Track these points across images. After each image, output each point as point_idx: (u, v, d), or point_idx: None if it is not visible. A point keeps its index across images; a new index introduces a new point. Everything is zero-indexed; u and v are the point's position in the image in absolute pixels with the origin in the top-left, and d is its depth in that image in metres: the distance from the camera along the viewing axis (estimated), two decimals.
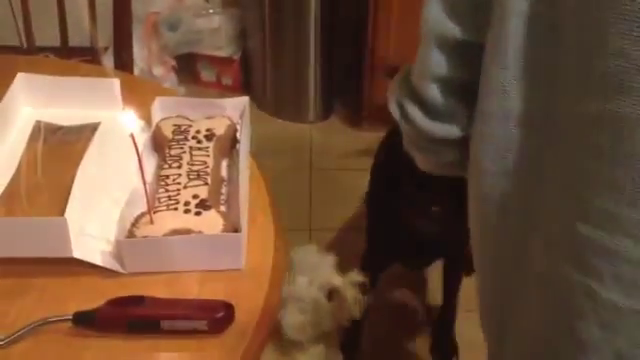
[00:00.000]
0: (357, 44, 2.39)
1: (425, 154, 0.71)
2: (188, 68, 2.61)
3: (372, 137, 2.42)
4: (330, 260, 1.23)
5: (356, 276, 1.21)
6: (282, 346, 1.20)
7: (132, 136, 0.68)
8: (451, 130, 0.65)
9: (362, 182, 2.20)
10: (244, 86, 2.60)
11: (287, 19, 2.33)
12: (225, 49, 2.53)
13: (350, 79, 2.50)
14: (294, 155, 2.34)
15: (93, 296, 0.68)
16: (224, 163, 0.87)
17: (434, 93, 0.64)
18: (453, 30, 0.60)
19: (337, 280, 1.19)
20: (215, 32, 2.48)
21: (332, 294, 1.19)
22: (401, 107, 0.68)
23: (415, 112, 0.66)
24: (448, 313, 1.61)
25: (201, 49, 2.54)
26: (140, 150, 0.72)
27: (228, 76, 2.61)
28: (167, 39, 2.46)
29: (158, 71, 2.46)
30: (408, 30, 2.12)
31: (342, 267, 1.23)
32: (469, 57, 0.60)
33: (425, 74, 0.64)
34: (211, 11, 2.51)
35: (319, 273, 1.20)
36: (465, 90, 0.63)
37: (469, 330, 1.66)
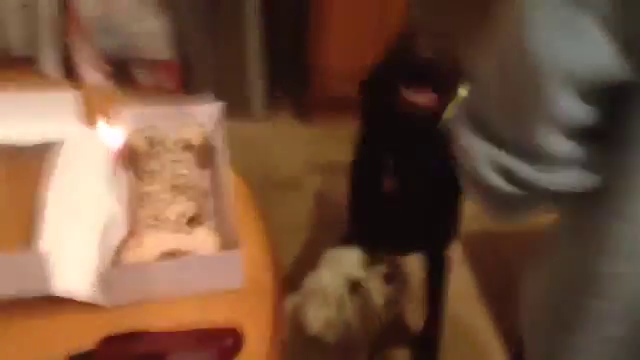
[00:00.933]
0: (298, 35, 2.34)
1: (524, 210, 0.57)
2: (124, 73, 2.50)
3: (321, 129, 2.41)
4: (355, 253, 1.18)
5: (381, 267, 1.16)
6: (305, 346, 1.14)
7: (114, 155, 0.61)
8: (581, 178, 0.51)
9: (314, 176, 2.18)
10: (185, 88, 2.52)
11: (225, 17, 2.26)
12: (163, 52, 2.44)
13: (294, 72, 2.45)
14: (243, 155, 2.26)
15: (82, 334, 0.61)
16: (204, 174, 0.81)
17: (558, 144, 0.49)
18: (602, 66, 0.45)
19: (361, 272, 1.15)
20: (151, 35, 2.39)
21: (356, 287, 1.15)
22: (499, 169, 0.52)
23: (523, 169, 0.51)
24: (432, 330, 1.53)
25: (137, 53, 2.44)
26: (115, 167, 0.65)
27: (168, 79, 2.52)
28: (101, 44, 2.35)
29: (93, 77, 2.34)
30: (351, 15, 2.11)
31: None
32: (609, 100, 0.47)
33: (544, 122, 0.48)
34: (146, 14, 2.41)
35: (343, 266, 1.15)
36: (596, 134, 0.50)
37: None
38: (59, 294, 0.63)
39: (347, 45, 2.14)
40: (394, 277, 1.18)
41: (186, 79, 2.49)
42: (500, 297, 1.77)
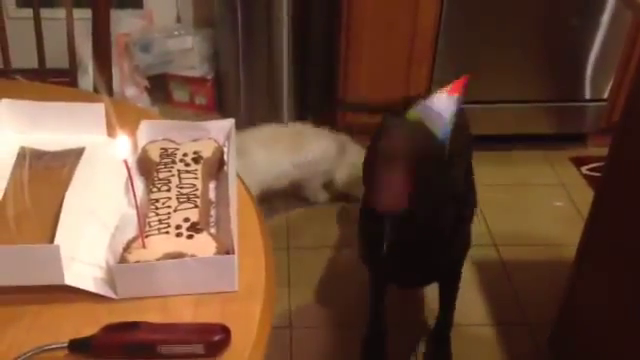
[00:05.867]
0: (330, 60, 2.41)
1: None
2: (161, 88, 2.61)
3: None
4: None
5: None
6: None
7: (125, 162, 0.68)
8: None
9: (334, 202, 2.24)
10: (218, 105, 2.61)
11: (259, 38, 2.35)
12: (198, 69, 2.55)
13: (323, 97, 2.52)
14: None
15: (87, 322, 0.68)
16: (212, 185, 0.88)
17: None
18: None
19: None
20: (187, 53, 2.50)
21: None
22: None
23: None
24: (444, 327, 1.64)
25: (174, 69, 2.55)
26: (129, 174, 0.72)
27: (202, 96, 2.62)
28: (139, 60, 2.46)
29: (131, 92, 2.46)
30: (380, 49, 2.17)
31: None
32: None
33: None
34: (183, 32, 2.52)
35: None
36: None
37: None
38: (70, 284, 0.70)
39: (376, 78, 2.21)
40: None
41: (218, 96, 2.59)
42: (510, 324, 1.79)
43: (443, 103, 1.12)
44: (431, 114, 1.11)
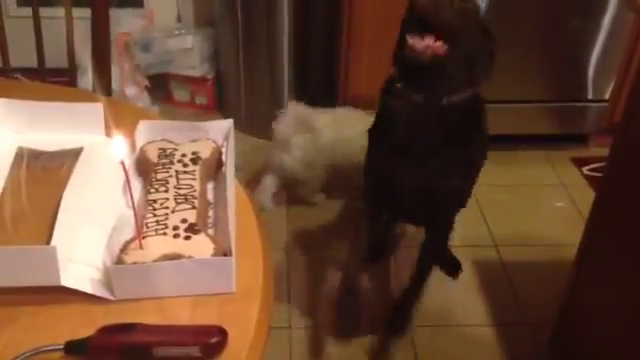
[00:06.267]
0: (330, 60, 2.41)
1: None
2: (161, 88, 2.61)
3: None
4: None
5: None
6: None
7: (122, 163, 0.68)
8: None
9: (335, 201, 2.24)
10: (218, 105, 2.61)
11: (260, 38, 2.34)
12: (198, 69, 2.54)
13: (324, 96, 2.51)
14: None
15: (83, 323, 0.67)
16: (210, 186, 0.87)
17: None
18: None
19: None
20: (188, 52, 2.49)
21: None
22: None
23: None
24: (408, 298, 1.68)
25: (174, 69, 2.55)
26: (127, 175, 0.72)
27: (202, 95, 2.62)
28: (140, 60, 2.46)
29: (131, 91, 2.46)
30: (381, 38, 2.17)
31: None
32: None
33: None
34: (183, 31, 2.52)
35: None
36: None
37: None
38: (67, 285, 0.70)
39: (376, 78, 2.20)
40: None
41: (219, 96, 2.59)
42: (510, 324, 1.79)
43: None
44: None
